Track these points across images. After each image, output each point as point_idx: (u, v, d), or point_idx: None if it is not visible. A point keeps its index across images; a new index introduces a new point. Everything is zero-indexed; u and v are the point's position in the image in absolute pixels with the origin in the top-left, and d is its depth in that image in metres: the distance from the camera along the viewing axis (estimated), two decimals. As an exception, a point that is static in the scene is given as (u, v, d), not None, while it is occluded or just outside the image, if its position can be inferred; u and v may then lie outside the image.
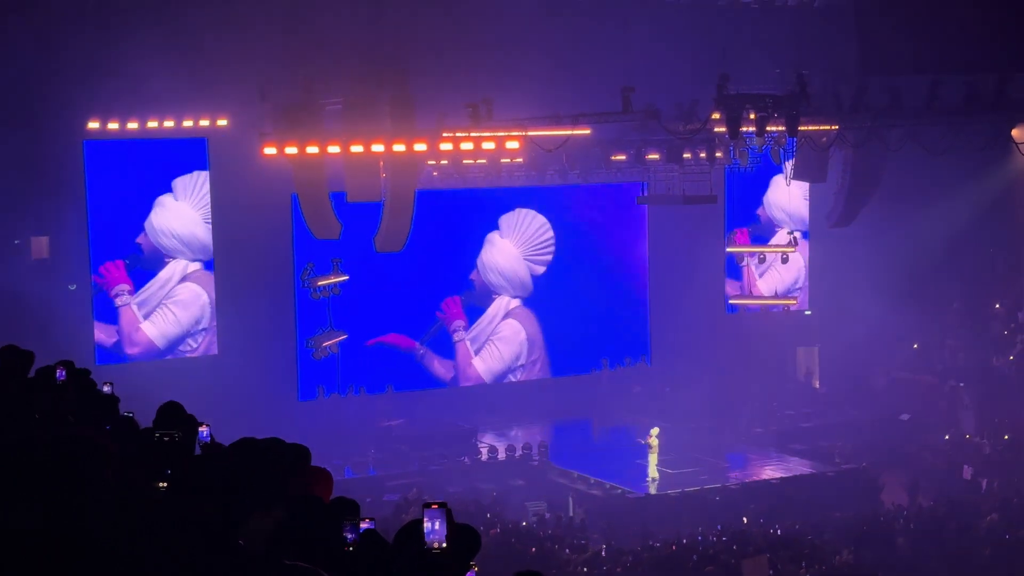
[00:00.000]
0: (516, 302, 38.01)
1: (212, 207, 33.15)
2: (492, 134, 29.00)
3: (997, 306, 38.40)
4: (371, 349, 35.48)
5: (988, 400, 34.43)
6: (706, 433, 33.77)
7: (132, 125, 30.39)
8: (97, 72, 28.01)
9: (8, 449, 3.55)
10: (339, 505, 5.24)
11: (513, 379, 38.13)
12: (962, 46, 28.39)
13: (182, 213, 33.11)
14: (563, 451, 32.75)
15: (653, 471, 30.24)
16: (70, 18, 28.02)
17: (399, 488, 29.00)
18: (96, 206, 32.05)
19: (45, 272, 30.51)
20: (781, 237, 39.82)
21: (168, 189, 32.94)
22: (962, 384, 35.64)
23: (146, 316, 33.08)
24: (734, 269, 40.61)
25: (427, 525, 4.04)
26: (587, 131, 29.76)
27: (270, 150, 28.22)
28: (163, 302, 33.24)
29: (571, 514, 28.50)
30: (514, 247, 37.84)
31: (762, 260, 40.15)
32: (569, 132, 29.02)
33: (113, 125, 30.26)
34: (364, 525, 4.71)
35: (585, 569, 21.87)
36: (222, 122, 31.43)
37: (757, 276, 40.64)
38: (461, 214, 36.70)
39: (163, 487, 4.00)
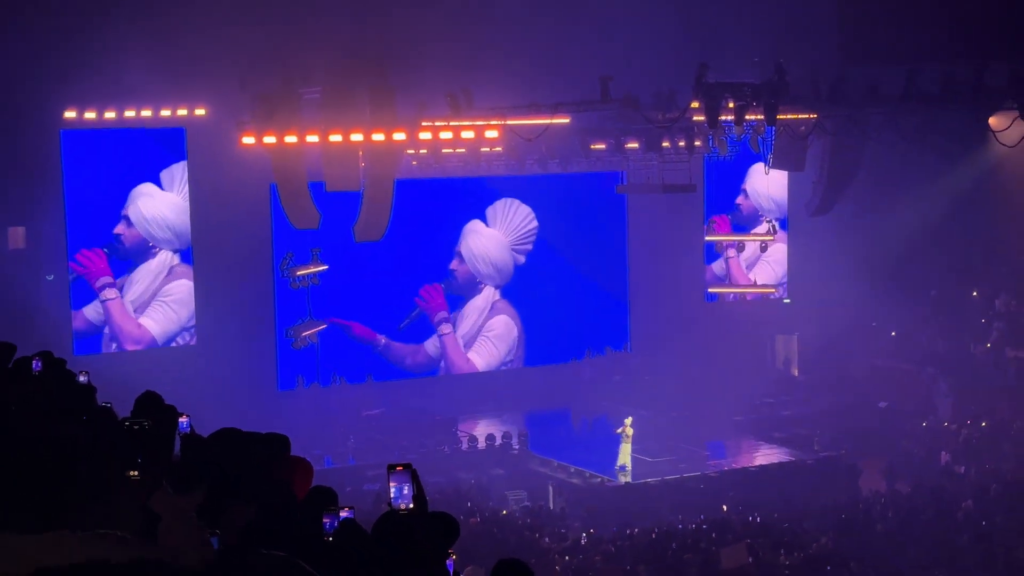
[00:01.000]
0: (497, 293, 38.04)
1: (191, 196, 33.05)
2: (471, 123, 28.97)
3: (975, 294, 38.57)
4: (351, 339, 35.42)
5: (965, 387, 34.59)
6: (685, 421, 33.82)
7: (110, 115, 30.28)
8: (74, 61, 27.88)
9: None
10: (316, 494, 5.23)
11: (502, 370, 38.20)
12: (940, 35, 28.49)
13: (174, 203, 33.03)
14: (543, 440, 32.78)
15: (625, 458, 30.23)
16: (47, 7, 27.85)
17: (379, 478, 28.96)
18: (73, 196, 31.90)
19: (22, 263, 30.35)
20: (762, 226, 39.99)
21: (147, 178, 32.82)
22: (940, 371, 35.80)
23: (141, 311, 32.99)
24: (713, 257, 40.70)
25: (392, 487, 4.00)
26: (566, 120, 29.75)
27: (249, 139, 28.15)
28: (158, 298, 33.17)
29: (551, 503, 28.55)
30: (502, 236, 37.85)
31: (741, 249, 40.22)
32: (548, 121, 28.99)
33: (90, 115, 30.15)
34: (343, 514, 4.70)
35: (566, 557, 21.91)
36: (200, 111, 31.34)
37: (743, 266, 40.73)
38: (441, 203, 36.66)
39: (134, 475, 3.99)
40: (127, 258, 32.84)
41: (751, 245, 40.12)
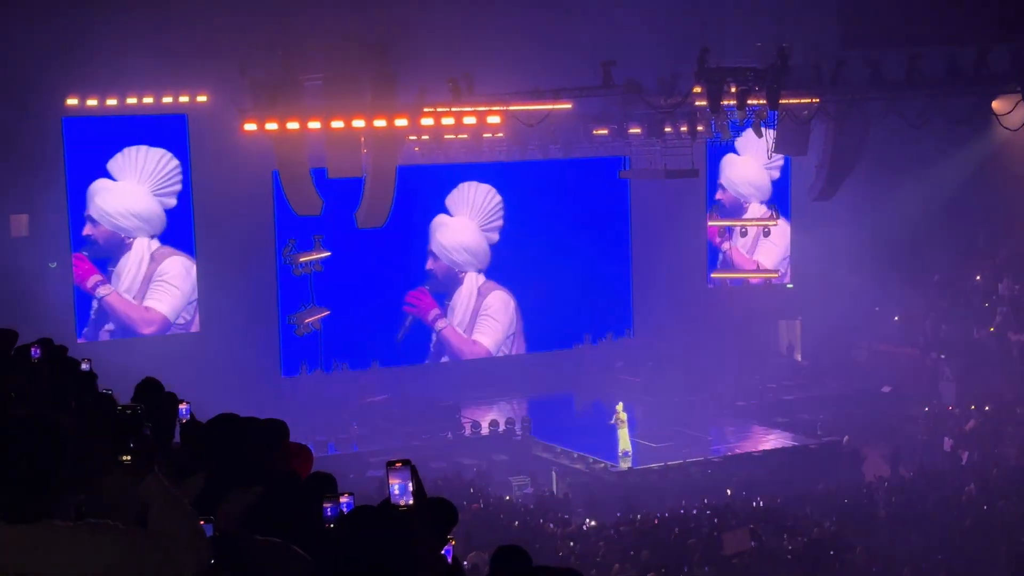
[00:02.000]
0: (482, 277, 38.05)
1: (192, 184, 33.06)
2: (473, 109, 28.93)
3: (978, 278, 38.53)
4: (355, 325, 35.39)
5: (969, 372, 34.57)
6: (688, 407, 33.83)
7: (111, 102, 30.25)
8: (76, 48, 27.82)
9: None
10: (315, 480, 5.23)
11: (503, 352, 38.23)
12: (943, 18, 28.38)
13: (131, 191, 32.82)
14: (546, 426, 32.80)
15: (625, 444, 30.25)
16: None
17: (383, 464, 28.90)
18: (75, 183, 31.90)
19: (25, 250, 30.36)
20: (757, 210, 39.99)
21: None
22: (943, 356, 35.77)
23: (141, 297, 33.04)
24: (714, 248, 40.70)
25: (392, 484, 3.99)
26: (568, 105, 29.72)
27: (250, 126, 28.11)
28: (155, 280, 33.19)
29: (554, 488, 28.58)
30: (468, 221, 37.72)
31: (744, 234, 40.20)
32: (550, 107, 28.98)
33: (92, 102, 30.12)
34: (344, 500, 4.70)
35: (570, 543, 21.93)
36: (202, 98, 31.29)
37: (743, 251, 40.75)
38: (444, 189, 36.68)
39: (126, 460, 4.00)
40: (106, 255, 32.72)
41: (752, 229, 40.09)
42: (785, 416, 34.16)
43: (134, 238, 33.01)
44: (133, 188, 32.84)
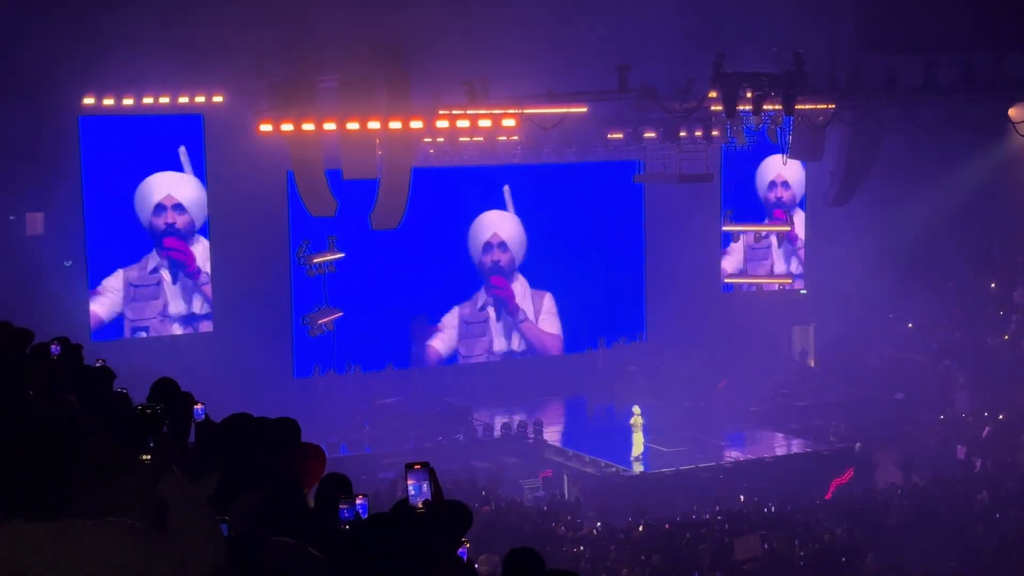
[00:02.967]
0: (522, 276, 38.38)
1: (208, 184, 33.15)
2: (488, 112, 28.94)
3: (992, 285, 38.43)
4: (368, 327, 35.42)
5: (982, 380, 34.49)
6: (701, 412, 33.82)
7: (128, 101, 30.33)
8: (92, 48, 27.89)
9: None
10: (330, 481, 5.24)
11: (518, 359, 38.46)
12: (959, 24, 28.30)
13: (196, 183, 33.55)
14: (558, 429, 32.80)
15: (639, 448, 30.25)
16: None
17: (394, 466, 29.02)
18: (91, 183, 32.01)
19: (41, 249, 30.46)
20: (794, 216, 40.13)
21: (167, 165, 32.97)
22: (957, 364, 35.68)
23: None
24: (728, 245, 40.67)
25: (410, 485, 4.02)
26: (583, 109, 29.72)
27: (266, 127, 28.16)
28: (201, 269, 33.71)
29: (566, 492, 28.58)
30: (518, 219, 38.13)
31: (759, 239, 40.18)
32: (565, 110, 29.00)
33: (108, 101, 30.21)
34: (359, 502, 4.72)
35: (581, 547, 21.93)
36: (218, 99, 31.35)
37: (758, 257, 40.75)
38: (459, 191, 36.72)
39: (147, 459, 4.02)
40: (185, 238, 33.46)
41: (766, 235, 40.09)
42: (797, 422, 34.10)
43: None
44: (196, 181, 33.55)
